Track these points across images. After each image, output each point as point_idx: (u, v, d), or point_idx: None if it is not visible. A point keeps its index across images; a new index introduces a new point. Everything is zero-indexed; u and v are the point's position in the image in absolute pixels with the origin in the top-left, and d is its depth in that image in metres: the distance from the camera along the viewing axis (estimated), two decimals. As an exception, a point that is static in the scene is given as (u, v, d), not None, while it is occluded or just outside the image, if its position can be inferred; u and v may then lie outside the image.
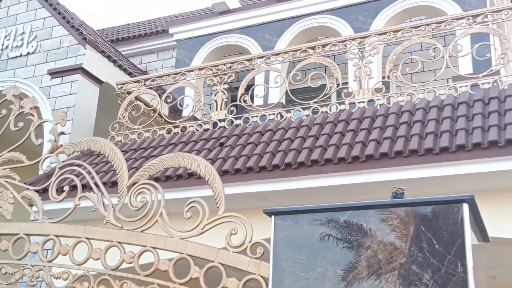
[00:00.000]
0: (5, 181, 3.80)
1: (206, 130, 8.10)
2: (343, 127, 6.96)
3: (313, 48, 7.92)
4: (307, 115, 7.59)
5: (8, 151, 3.93)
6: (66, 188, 3.65)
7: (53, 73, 9.43)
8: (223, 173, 6.92)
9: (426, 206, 2.50)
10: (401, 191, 2.84)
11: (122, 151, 8.16)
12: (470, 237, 2.38)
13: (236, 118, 7.99)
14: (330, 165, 6.53)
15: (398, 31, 7.45)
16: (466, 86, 6.94)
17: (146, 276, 3.20)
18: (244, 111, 8.91)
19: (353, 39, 7.72)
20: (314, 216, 2.65)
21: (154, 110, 8.92)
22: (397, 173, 6.20)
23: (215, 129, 8.01)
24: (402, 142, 6.31)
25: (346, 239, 2.56)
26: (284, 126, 7.42)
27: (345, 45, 7.75)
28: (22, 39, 10.03)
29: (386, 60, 9.86)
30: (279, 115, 8.20)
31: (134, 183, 3.44)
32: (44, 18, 10.01)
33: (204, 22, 11.83)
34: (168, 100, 8.56)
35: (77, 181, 3.63)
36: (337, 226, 2.59)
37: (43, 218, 3.60)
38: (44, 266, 3.48)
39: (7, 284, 3.56)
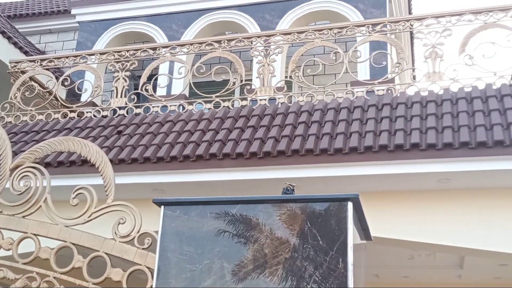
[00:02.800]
0: None
1: (105, 117, 7.86)
2: (244, 122, 7.01)
3: (219, 42, 7.92)
4: (208, 109, 7.58)
5: None
6: None
7: None
8: (119, 162, 6.75)
9: (313, 203, 2.56)
10: (292, 187, 2.89)
11: (11, 133, 7.77)
12: (352, 235, 2.47)
13: (137, 107, 7.82)
14: (229, 159, 6.55)
15: (302, 32, 7.61)
16: (362, 91, 7.22)
17: (25, 264, 3.04)
18: (146, 100, 8.75)
19: (258, 37, 7.79)
20: (204, 208, 2.64)
21: (50, 93, 8.54)
22: (293, 171, 6.33)
23: (114, 117, 7.80)
24: (299, 141, 6.45)
25: (234, 232, 2.57)
26: (185, 118, 7.36)
27: (251, 42, 7.81)
28: None
29: (289, 61, 10.17)
30: (181, 106, 8.12)
31: (18, 166, 3.26)
32: None
33: (109, 6, 11.48)
34: (66, 83, 8.21)
35: (-46, 161, 3.39)
36: (226, 219, 2.59)
37: None
38: None
39: None
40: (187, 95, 9.49)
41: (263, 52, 7.71)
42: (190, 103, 7.73)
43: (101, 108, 7.92)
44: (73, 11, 11.71)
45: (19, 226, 3.13)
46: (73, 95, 10.63)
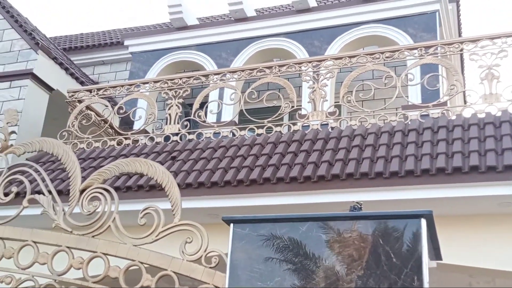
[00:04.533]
0: (-50, 180, 3.62)
1: (158, 143, 8.00)
2: (296, 147, 7.02)
3: (269, 68, 8.00)
4: (260, 134, 7.62)
5: (-46, 148, 3.76)
6: (14, 189, 3.51)
7: (2, 77, 9.14)
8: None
9: (385, 220, 2.52)
10: (359, 206, 2.86)
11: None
12: (426, 252, 2.42)
13: (189, 133, 7.93)
14: (282, 184, 6.56)
15: (353, 56, 7.61)
16: (416, 114, 7.13)
17: (94, 282, 3.09)
18: (197, 126, 8.87)
19: (309, 62, 7.84)
20: (273, 225, 2.64)
21: (105, 121, 8.76)
22: (348, 195, 6.26)
23: (168, 143, 7.93)
24: (353, 165, 6.40)
25: (305, 249, 2.56)
26: (238, 143, 7.42)
27: (301, 67, 7.86)
28: (-30, 41, 9.70)
29: (338, 85, 10.15)
30: (232, 132, 8.19)
31: (87, 187, 3.34)
32: (-5, 20, 9.73)
33: (160, 36, 11.78)
34: (121, 111, 8.42)
35: (26, 183, 3.49)
36: (296, 236, 2.58)
37: (-9, 220, 3.45)
38: (-15, 270, 3.33)
39: None
40: (237, 122, 9.58)
41: (314, 77, 7.74)
42: (242, 129, 7.78)
43: (154, 135, 8.05)
44: (126, 42, 12.05)
45: (89, 246, 3.19)
46: (126, 123, 10.88)
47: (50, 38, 14.00)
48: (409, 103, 8.05)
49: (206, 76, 8.29)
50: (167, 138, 8.06)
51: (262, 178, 6.61)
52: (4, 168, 3.56)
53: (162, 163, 7.37)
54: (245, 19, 11.37)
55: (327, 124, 7.60)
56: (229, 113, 9.97)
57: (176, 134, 7.95)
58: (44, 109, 9.31)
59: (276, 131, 7.57)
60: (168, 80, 8.31)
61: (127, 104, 9.49)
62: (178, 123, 8.02)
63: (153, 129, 9.45)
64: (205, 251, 3.00)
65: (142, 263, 3.07)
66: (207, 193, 6.76)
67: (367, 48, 11.08)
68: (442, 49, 7.41)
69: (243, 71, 8.13)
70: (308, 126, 7.54)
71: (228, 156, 7.18)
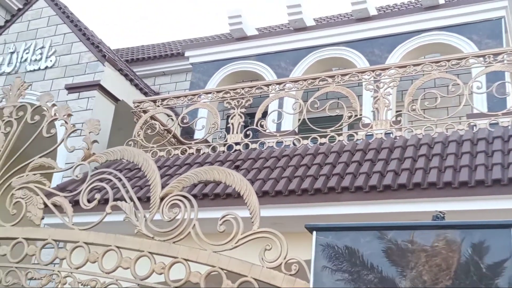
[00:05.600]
0: (35, 186, 3.79)
1: (221, 152, 8.10)
2: (361, 156, 6.97)
3: (332, 77, 7.99)
4: (323, 143, 7.61)
5: (40, 157, 3.93)
6: (98, 196, 3.64)
7: (71, 88, 9.48)
8: (237, 196, 6.90)
9: (473, 229, 2.49)
10: (442, 215, 2.83)
11: (136, 168, 8.18)
12: (517, 263, 2.37)
13: (252, 142, 8.00)
14: (347, 193, 6.52)
15: (418, 64, 7.52)
16: (485, 123, 6.97)
17: (176, 287, 3.17)
18: (256, 136, 8.94)
19: (372, 71, 7.79)
20: (357, 234, 2.65)
21: (169, 131, 8.94)
22: (415, 205, 6.19)
23: (231, 152, 8.02)
24: (420, 175, 6.31)
25: (390, 258, 2.55)
26: (301, 152, 7.44)
27: (364, 76, 7.82)
28: (41, 53, 10.12)
29: (399, 94, 10.02)
30: (294, 141, 8.20)
31: (167, 194, 3.43)
32: (65, 34, 10.12)
33: (220, 47, 11.95)
34: (184, 121, 8.58)
35: (109, 190, 3.62)
36: (381, 245, 2.58)
37: (72, 225, 3.58)
38: (71, 273, 3.45)
39: (32, 290, 3.53)
40: (296, 131, 9.60)
41: (377, 85, 7.68)
42: (304, 138, 7.80)
43: (218, 144, 8.17)
44: (186, 53, 12.28)
45: (170, 251, 3.27)
46: (187, 133, 11.07)
47: (113, 50, 14.46)
48: (476, 111, 7.85)
49: (268, 85, 8.36)
50: (229, 147, 8.16)
51: (327, 187, 6.59)
52: (87, 175, 3.69)
53: (226, 172, 7.46)
54: (304, 29, 11.40)
55: (391, 133, 7.53)
56: (289, 123, 10.00)
57: (239, 143, 8.03)
58: (110, 119, 9.58)
59: (339, 140, 7.54)
60: (230, 90, 8.42)
61: (188, 114, 9.68)
62: (241, 132, 8.10)
63: (213, 139, 9.59)
64: (284, 258, 3.03)
65: (222, 269, 3.12)
66: (272, 202, 6.79)
67: (429, 56, 10.89)
68: (511, 56, 7.22)
69: (305, 80, 8.16)
70: (372, 135, 7.48)
71: (291, 165, 7.20)
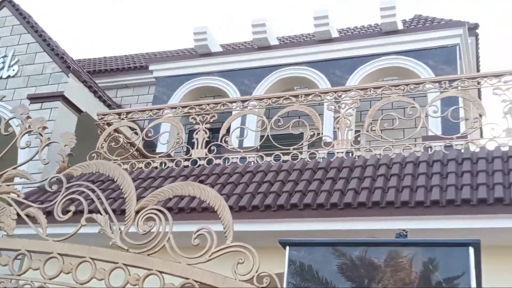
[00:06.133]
0: (8, 197, 3.83)
1: (186, 167, 8.20)
2: (322, 174, 7.19)
3: (296, 96, 8.22)
4: (286, 161, 7.80)
5: (14, 168, 3.98)
6: (72, 208, 3.71)
7: (33, 98, 9.44)
8: (202, 210, 7.01)
9: (434, 247, 2.70)
10: (405, 233, 3.03)
11: (99, 181, 8.18)
12: (474, 280, 2.58)
13: (216, 158, 8.13)
14: (309, 210, 6.72)
15: (379, 87, 7.83)
16: (441, 145, 7.31)
17: (150, 299, 3.27)
18: (220, 152, 9.06)
19: (335, 92, 8.06)
20: (328, 249, 2.82)
21: (132, 144, 8.98)
22: (374, 223, 6.42)
23: (195, 167, 8.13)
24: (379, 194, 6.57)
25: (358, 272, 2.73)
26: (264, 169, 7.61)
27: (327, 97, 8.08)
28: (3, 62, 10.03)
29: (359, 114, 10.34)
30: (257, 158, 8.37)
31: (142, 208, 3.53)
32: (28, 43, 10.07)
33: (184, 62, 12.08)
34: (149, 135, 8.65)
35: (83, 202, 3.69)
36: (350, 260, 2.76)
37: (46, 236, 3.64)
38: (45, 284, 3.50)
39: (4, 300, 3.56)
40: (258, 147, 9.78)
41: (339, 106, 7.95)
42: (268, 155, 7.98)
43: (181, 159, 8.26)
44: (150, 67, 12.35)
45: (145, 264, 3.37)
46: (149, 146, 11.10)
47: (75, 60, 14.37)
48: (432, 134, 8.20)
49: (233, 102, 8.53)
50: (193, 162, 8.26)
51: (290, 203, 6.77)
52: (62, 188, 3.76)
53: (190, 186, 7.56)
54: (268, 48, 11.65)
55: (351, 153, 7.79)
56: (252, 139, 10.17)
57: (203, 159, 8.15)
58: (73, 130, 9.53)
59: (301, 158, 7.76)
60: (196, 105, 8.55)
61: (151, 128, 9.74)
62: (205, 147, 8.22)
63: (175, 153, 9.66)
64: (256, 271, 3.17)
65: (196, 281, 3.24)
66: (235, 217, 6.87)
67: (387, 79, 11.31)
68: (465, 83, 7.61)
69: (269, 98, 8.37)
70: (333, 153, 7.72)
71: (255, 181, 7.36)
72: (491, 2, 34.91)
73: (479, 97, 13.09)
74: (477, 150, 7.14)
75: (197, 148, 8.27)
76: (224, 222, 3.35)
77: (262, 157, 8.07)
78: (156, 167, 8.37)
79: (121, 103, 13.58)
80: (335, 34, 11.39)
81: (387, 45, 10.91)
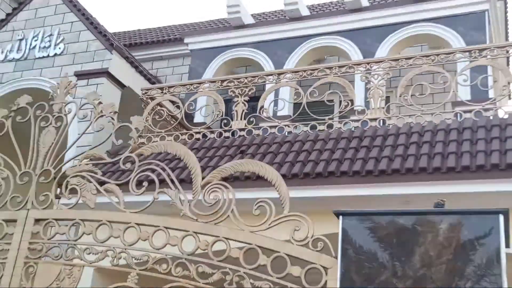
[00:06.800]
0: (88, 175, 4.36)
1: (227, 138, 8.69)
2: (357, 143, 7.62)
3: (330, 68, 8.59)
4: (322, 130, 8.23)
5: (91, 149, 4.51)
6: (145, 183, 4.22)
7: (80, 75, 9.96)
8: (245, 179, 7.52)
9: (469, 215, 3.14)
10: (442, 202, 3.48)
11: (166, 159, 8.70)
12: (504, 243, 3.03)
13: (255, 129, 8.58)
14: (346, 177, 7.18)
15: (410, 58, 8.15)
16: (470, 112, 7.65)
17: (218, 261, 3.79)
18: (257, 123, 9.50)
19: (367, 63, 8.40)
20: (377, 218, 3.28)
21: (174, 117, 9.49)
22: (407, 187, 6.86)
23: (235, 137, 8.61)
24: (412, 160, 6.98)
25: (403, 237, 3.19)
26: (302, 138, 8.05)
27: (359, 68, 8.43)
28: (49, 41, 10.55)
29: (389, 81, 10.64)
30: (293, 128, 8.80)
31: (208, 183, 4.03)
32: (72, 22, 10.55)
33: (219, 35, 12.46)
34: (191, 108, 9.14)
35: (155, 178, 4.20)
36: (396, 227, 3.22)
37: (123, 208, 4.17)
38: (125, 249, 4.05)
39: (91, 263, 4.12)
40: (291, 116, 10.20)
41: (373, 77, 8.30)
42: (305, 125, 8.41)
43: (223, 130, 8.74)
44: (186, 40, 12.77)
45: (213, 231, 3.88)
46: (187, 117, 11.61)
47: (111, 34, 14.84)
48: (462, 101, 8.50)
49: (269, 75, 8.94)
50: (233, 133, 8.74)
51: (327, 171, 7.24)
52: (135, 164, 4.28)
53: (232, 156, 8.07)
54: (299, 18, 11.96)
55: (383, 121, 8.18)
56: (285, 109, 10.60)
57: (243, 130, 8.62)
58: (117, 104, 10.06)
59: (336, 128, 8.17)
60: (234, 79, 8.98)
61: (187, 100, 10.22)
62: (244, 119, 8.68)
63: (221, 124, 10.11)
64: (311, 237, 3.66)
65: (259, 246, 3.75)
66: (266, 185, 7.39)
67: (417, 46, 11.57)
68: (494, 52, 7.88)
69: (304, 71, 8.75)
70: (366, 122, 8.12)
71: (293, 150, 7.83)
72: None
73: (508, 64, 13.27)
74: (506, 116, 7.46)
75: (236, 119, 8.73)
76: (281, 194, 3.83)
77: (296, 127, 8.51)
78: (198, 139, 8.87)
79: (156, 75, 14.07)
80: (365, 3, 11.63)
81: (417, 13, 11.14)
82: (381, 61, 8.37)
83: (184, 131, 9.22)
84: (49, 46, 10.49)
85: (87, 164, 4.41)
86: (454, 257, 3.04)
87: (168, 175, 4.18)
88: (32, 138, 4.66)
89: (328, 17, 11.81)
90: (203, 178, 4.08)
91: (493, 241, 3.03)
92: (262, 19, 13.62)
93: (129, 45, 14.46)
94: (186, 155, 4.18)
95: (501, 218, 3.07)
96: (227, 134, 8.77)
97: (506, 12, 12.27)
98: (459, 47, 8.91)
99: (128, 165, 4.34)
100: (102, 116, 4.58)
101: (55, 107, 4.78)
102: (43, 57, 10.47)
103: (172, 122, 9.55)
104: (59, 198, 4.63)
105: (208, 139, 8.80)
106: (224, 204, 3.93)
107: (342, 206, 7.12)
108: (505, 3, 12.07)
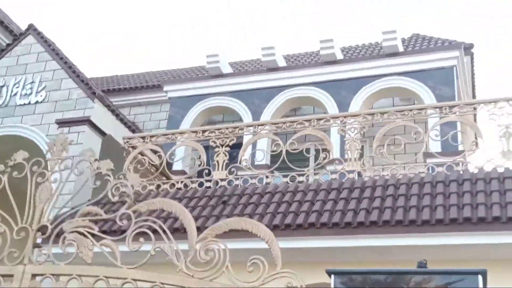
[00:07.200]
0: (85, 231, 4.51)
1: (208, 188, 8.88)
2: (336, 195, 7.91)
3: (308, 121, 8.93)
4: (300, 182, 8.51)
5: (87, 205, 4.67)
6: (142, 240, 4.39)
7: (61, 123, 10.09)
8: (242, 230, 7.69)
9: (451, 274, 3.41)
10: (425, 262, 3.75)
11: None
12: (483, 301, 3.30)
13: (236, 179, 8.82)
14: (326, 228, 7.43)
15: (385, 113, 8.55)
16: (442, 166, 8.03)
17: (212, 317, 3.96)
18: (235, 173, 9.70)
19: (344, 116, 8.78)
20: (366, 276, 3.53)
21: (156, 166, 9.66)
22: (385, 240, 7.14)
23: (217, 187, 8.81)
24: (389, 213, 7.28)
25: (391, 296, 3.44)
26: (282, 189, 8.31)
27: (336, 121, 8.80)
28: (31, 88, 10.69)
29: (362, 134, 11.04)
30: (272, 178, 9.06)
31: (202, 239, 4.23)
32: (54, 70, 10.73)
33: (197, 83, 12.80)
34: (172, 157, 9.34)
35: (151, 235, 4.38)
36: (385, 286, 3.47)
37: (120, 264, 4.32)
38: (123, 305, 4.19)
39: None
40: (269, 165, 10.47)
41: (349, 130, 8.66)
42: (285, 176, 8.68)
43: (204, 180, 8.94)
44: (165, 88, 13.06)
45: (208, 287, 4.07)
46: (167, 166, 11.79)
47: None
48: (433, 153, 8.88)
49: (250, 126, 9.24)
50: (215, 183, 8.95)
51: (307, 223, 7.48)
52: (131, 222, 4.45)
53: (214, 206, 8.26)
54: (276, 69, 12.38)
55: (360, 174, 8.51)
56: (263, 160, 10.84)
57: (224, 180, 8.84)
58: (98, 152, 10.22)
59: (315, 179, 8.47)
60: (215, 129, 9.25)
61: (166, 150, 10.40)
62: (225, 169, 8.92)
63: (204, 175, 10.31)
64: (303, 292, 3.87)
65: (253, 302, 3.94)
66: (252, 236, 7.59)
67: (388, 99, 12.07)
68: (463, 109, 8.35)
69: (284, 123, 9.07)
70: (344, 174, 8.43)
71: (274, 201, 8.06)
72: (483, 18, 35.87)
73: (475, 121, 13.90)
74: (476, 171, 7.86)
75: (218, 170, 8.96)
76: (274, 252, 4.05)
77: (275, 177, 8.77)
78: (180, 188, 9.04)
79: (134, 120, 14.26)
80: (339, 56, 12.13)
81: (389, 67, 11.67)
82: (357, 115, 8.76)
83: (165, 180, 9.38)
84: (31, 93, 10.63)
85: (83, 220, 4.56)
86: (439, 315, 3.29)
87: (164, 232, 4.35)
88: (29, 193, 4.80)
89: (304, 69, 12.27)
90: (198, 236, 4.27)
91: (472, 299, 3.29)
92: (240, 68, 14.03)
93: (106, 90, 14.67)
94: (182, 214, 4.38)
95: (480, 278, 3.34)
96: (208, 184, 8.97)
97: (472, 67, 12.93)
98: (431, 104, 9.40)
99: (125, 222, 4.51)
100: (100, 172, 4.75)
101: (50, 163, 4.95)
102: (24, 104, 10.59)
103: (152, 170, 9.70)
104: (39, 247, 4.84)
105: (190, 189, 8.99)
106: (219, 260, 4.12)
107: (321, 257, 7.42)
108: (471, 59, 12.72)
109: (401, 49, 11.80)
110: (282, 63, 12.62)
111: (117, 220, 4.53)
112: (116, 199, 4.63)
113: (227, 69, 12.96)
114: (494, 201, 7.05)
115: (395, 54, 11.71)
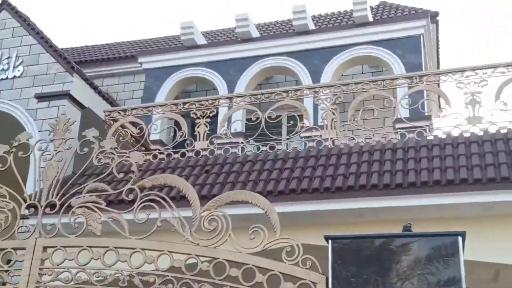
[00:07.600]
0: (93, 206, 4.82)
1: (190, 157, 9.21)
2: (314, 162, 8.35)
3: (286, 92, 9.30)
4: (279, 149, 8.92)
5: (93, 182, 4.98)
6: (149, 213, 4.73)
7: (41, 97, 10.21)
8: (212, 197, 8.07)
9: (434, 237, 3.89)
10: (409, 225, 4.22)
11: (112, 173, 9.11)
12: (463, 261, 3.78)
13: (218, 149, 9.17)
14: (306, 193, 7.89)
15: (359, 83, 8.98)
16: (413, 133, 8.53)
17: (220, 280, 4.37)
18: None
19: (321, 87, 9.18)
20: (359, 240, 3.97)
21: (136, 138, 9.90)
22: (362, 202, 7.65)
23: (199, 157, 9.15)
24: (365, 178, 7.78)
25: (382, 256, 3.89)
26: (263, 158, 8.71)
27: (314, 92, 9.20)
28: (8, 63, 10.72)
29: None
30: (251, 146, 9.45)
31: (206, 211, 4.60)
32: (31, 45, 10.76)
33: (172, 54, 12.96)
34: (154, 129, 9.60)
35: (156, 207, 4.73)
36: (376, 247, 3.92)
37: (128, 235, 4.67)
38: (133, 272, 4.55)
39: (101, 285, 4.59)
40: (244, 132, 10.85)
41: (326, 100, 9.07)
42: (265, 145, 9.06)
43: (186, 150, 9.25)
44: (140, 59, 13.18)
45: (213, 254, 4.44)
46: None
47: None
48: (404, 121, 9.37)
49: (230, 98, 9.56)
50: (197, 153, 9.28)
51: (289, 189, 7.93)
52: (137, 196, 4.79)
53: (197, 176, 8.62)
54: (250, 40, 12.63)
55: (335, 140, 8.96)
56: (239, 129, 11.20)
57: (205, 150, 9.18)
58: (77, 125, 10.38)
59: (294, 147, 8.87)
60: (196, 101, 9.53)
61: (146, 122, 10.64)
62: (206, 139, 9.25)
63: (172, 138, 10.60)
64: (301, 256, 4.30)
65: (255, 266, 4.36)
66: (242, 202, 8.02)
67: (358, 67, 12.52)
68: (432, 78, 8.83)
69: (262, 94, 9.41)
70: (322, 142, 8.87)
71: (255, 169, 8.46)
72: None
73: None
74: (444, 136, 8.39)
75: (199, 140, 9.28)
76: (273, 220, 4.46)
77: (252, 147, 9.17)
78: (163, 159, 9.35)
79: (108, 92, 14.35)
80: (312, 26, 12.45)
81: (359, 36, 12.07)
82: (333, 85, 9.17)
83: (148, 151, 9.66)
84: (8, 68, 10.66)
85: (91, 195, 4.87)
86: (423, 271, 3.77)
87: (170, 206, 4.70)
88: (36, 171, 5.07)
89: (277, 39, 12.56)
90: (201, 207, 4.65)
91: (454, 257, 3.77)
92: (213, 38, 14.21)
93: (78, 62, 14.62)
94: (185, 187, 4.73)
95: (460, 239, 3.81)
96: (190, 154, 9.29)
97: (437, 34, 13.43)
98: (402, 73, 9.88)
99: (131, 196, 4.84)
100: (103, 151, 5.05)
101: (55, 143, 5.21)
102: (2, 79, 10.62)
103: (133, 142, 9.95)
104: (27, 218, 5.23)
105: (173, 159, 9.30)
106: (222, 229, 4.51)
107: (303, 221, 7.89)
108: (437, 26, 13.21)
109: (370, 19, 12.18)
110: (255, 33, 12.87)
111: (124, 195, 4.86)
112: (121, 175, 4.93)
113: (201, 40, 13.14)
114: (462, 164, 7.60)
115: (365, 24, 12.09)
